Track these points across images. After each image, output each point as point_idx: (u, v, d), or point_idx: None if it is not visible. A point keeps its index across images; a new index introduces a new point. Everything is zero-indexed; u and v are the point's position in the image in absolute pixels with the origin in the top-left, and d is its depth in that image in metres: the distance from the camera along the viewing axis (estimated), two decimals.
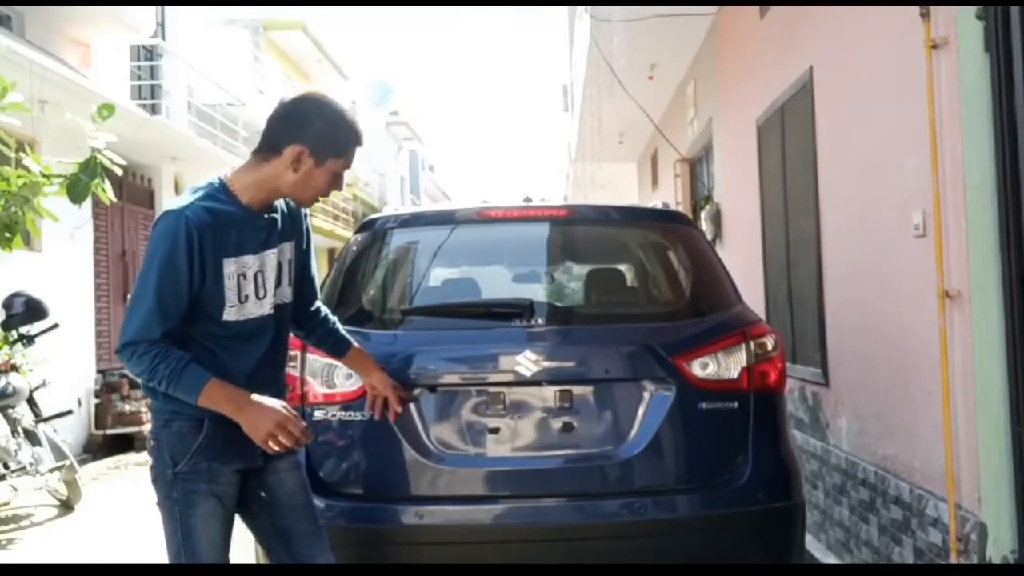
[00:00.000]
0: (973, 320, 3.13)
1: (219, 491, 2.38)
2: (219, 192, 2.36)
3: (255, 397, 2.35)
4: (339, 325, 2.86)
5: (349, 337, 2.87)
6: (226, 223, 2.33)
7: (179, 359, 2.27)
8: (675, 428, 2.96)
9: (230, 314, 2.36)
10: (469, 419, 2.99)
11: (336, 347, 2.86)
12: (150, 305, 2.25)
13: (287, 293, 2.53)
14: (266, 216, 2.43)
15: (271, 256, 2.44)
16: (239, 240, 2.36)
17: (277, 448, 2.34)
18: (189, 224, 2.26)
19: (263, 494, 2.51)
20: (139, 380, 2.38)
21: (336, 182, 2.43)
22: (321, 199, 2.53)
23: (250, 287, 2.39)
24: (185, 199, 2.35)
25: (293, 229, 2.54)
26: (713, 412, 2.98)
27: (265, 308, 2.44)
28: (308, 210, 2.62)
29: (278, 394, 2.51)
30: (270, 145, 2.36)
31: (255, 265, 2.40)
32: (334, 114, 2.37)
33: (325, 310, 2.84)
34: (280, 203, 2.49)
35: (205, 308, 2.34)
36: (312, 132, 2.33)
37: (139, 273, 2.32)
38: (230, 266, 2.34)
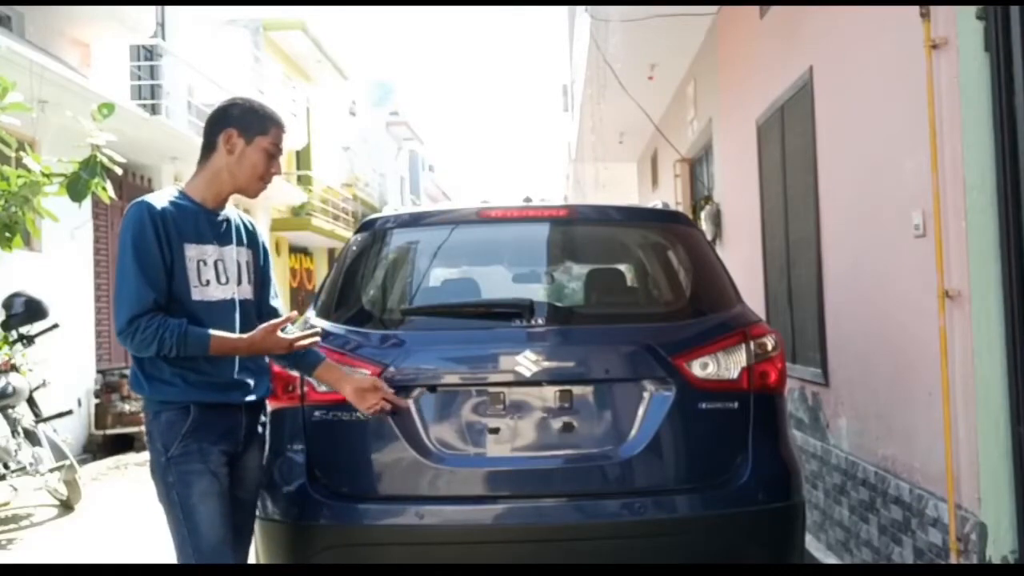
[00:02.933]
0: (973, 320, 3.13)
1: (212, 468, 2.54)
2: (175, 192, 2.66)
3: (248, 335, 2.60)
4: None
5: (318, 351, 2.85)
6: (184, 214, 2.59)
7: (178, 324, 2.48)
8: (675, 428, 2.95)
9: (195, 294, 2.57)
10: (469, 419, 2.99)
11: (306, 359, 2.83)
12: (134, 280, 2.47)
13: (248, 291, 2.75)
14: (219, 215, 2.69)
15: (230, 250, 2.69)
16: (197, 230, 2.61)
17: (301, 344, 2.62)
18: (151, 209, 2.53)
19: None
20: (146, 355, 2.52)
21: (271, 163, 2.68)
22: (263, 186, 2.72)
23: (210, 272, 2.62)
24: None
25: (250, 241, 2.79)
26: (713, 412, 2.97)
27: (228, 293, 2.66)
28: (262, 237, 2.86)
29: (253, 387, 2.71)
30: (207, 145, 2.68)
31: (215, 254, 2.64)
32: (248, 101, 2.72)
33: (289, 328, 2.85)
34: (234, 216, 2.76)
35: (176, 289, 2.55)
36: (235, 116, 2.66)
37: (117, 260, 2.55)
38: (191, 250, 2.58)
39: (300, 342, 2.64)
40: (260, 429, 2.80)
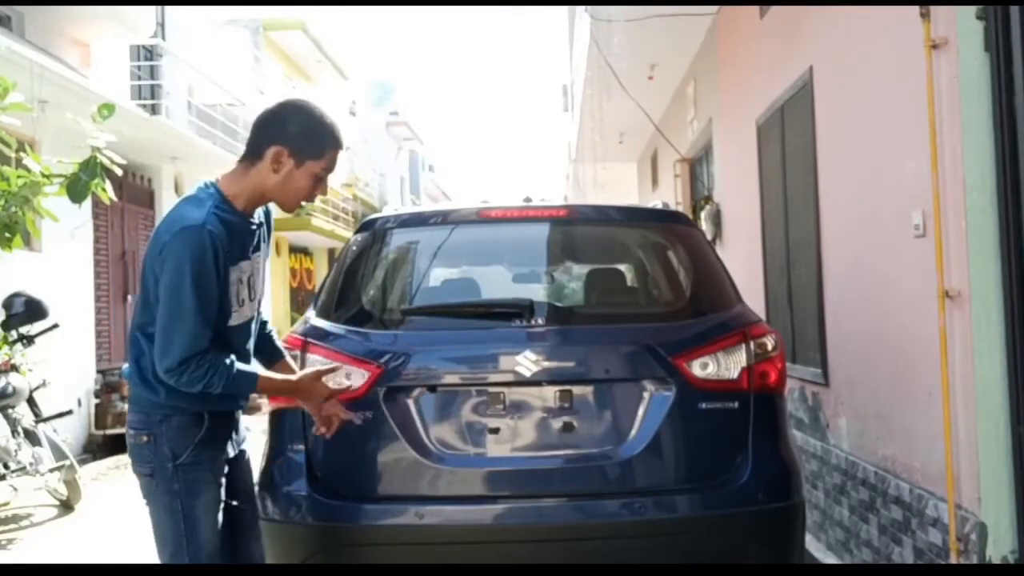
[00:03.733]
0: (973, 320, 3.13)
1: (218, 479, 2.49)
2: (221, 202, 2.40)
3: (294, 377, 2.58)
4: (274, 332, 2.86)
5: (281, 346, 2.86)
6: (233, 232, 2.39)
7: (228, 366, 2.35)
8: (675, 428, 2.95)
9: (234, 319, 2.44)
10: (469, 419, 2.99)
11: (270, 354, 2.78)
12: (194, 319, 2.29)
13: (262, 292, 2.63)
14: (255, 222, 2.51)
15: (259, 259, 2.54)
16: (241, 248, 2.44)
17: (329, 413, 2.59)
18: (213, 237, 2.31)
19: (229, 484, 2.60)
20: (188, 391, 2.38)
21: (319, 185, 2.48)
22: (306, 203, 2.58)
23: (245, 291, 2.48)
24: (193, 211, 2.35)
25: (268, 231, 2.62)
26: (713, 412, 2.97)
27: (253, 309, 2.55)
28: (271, 211, 2.67)
29: None
30: (253, 151, 2.43)
31: (248, 270, 2.49)
32: (312, 117, 2.44)
33: (264, 314, 2.85)
34: (260, 214, 2.56)
35: (218, 317, 2.39)
36: (290, 134, 2.40)
37: (167, 289, 2.31)
38: (234, 273, 2.42)
39: (338, 394, 2.64)
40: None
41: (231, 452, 2.58)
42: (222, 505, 2.51)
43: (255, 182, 2.43)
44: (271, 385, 2.52)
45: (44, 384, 6.89)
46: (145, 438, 2.45)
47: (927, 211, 3.39)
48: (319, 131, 2.44)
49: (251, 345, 2.62)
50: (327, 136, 2.45)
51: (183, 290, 2.28)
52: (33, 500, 6.80)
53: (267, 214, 2.62)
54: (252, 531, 2.70)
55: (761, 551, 2.99)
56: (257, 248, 2.52)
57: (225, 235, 2.35)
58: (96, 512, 6.65)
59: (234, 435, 2.61)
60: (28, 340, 6.72)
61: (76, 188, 5.19)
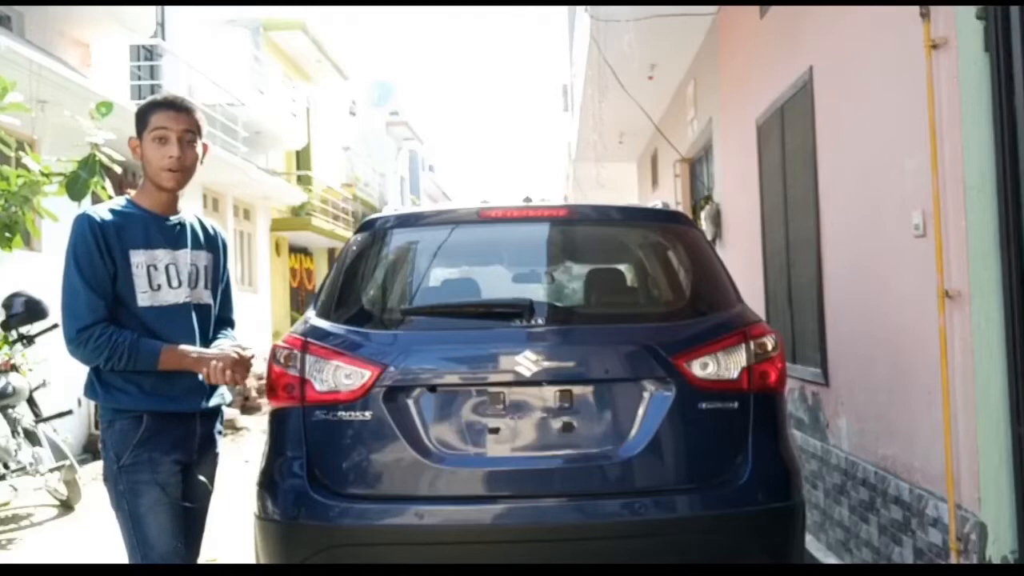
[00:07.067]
0: (973, 320, 3.13)
1: (161, 480, 2.59)
2: (123, 202, 2.74)
3: (205, 351, 2.68)
4: (229, 335, 2.95)
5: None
6: (130, 221, 2.67)
7: (130, 334, 2.57)
8: (675, 428, 2.95)
9: (143, 300, 2.63)
10: (469, 419, 2.98)
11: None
12: (84, 292, 2.56)
13: (204, 295, 2.81)
14: (172, 219, 2.76)
15: (183, 255, 2.75)
16: (146, 236, 2.68)
17: (224, 381, 2.64)
18: (91, 221, 2.61)
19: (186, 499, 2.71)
20: (96, 363, 2.61)
21: (164, 147, 2.71)
22: (171, 168, 2.73)
23: (162, 277, 2.68)
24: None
25: (209, 245, 2.86)
26: (713, 412, 2.97)
27: (180, 297, 2.71)
28: (224, 238, 2.96)
29: (208, 394, 2.77)
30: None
31: (166, 259, 2.70)
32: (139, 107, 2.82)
33: (232, 333, 2.96)
34: (193, 220, 2.84)
35: (122, 296, 2.60)
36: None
37: (63, 278, 2.61)
38: (138, 256, 2.65)
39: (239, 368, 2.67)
40: (217, 436, 2.89)
41: (187, 456, 2.68)
42: (170, 506, 2.60)
43: (145, 177, 2.75)
44: (174, 354, 2.60)
45: (44, 384, 6.89)
46: (101, 445, 2.65)
47: (927, 211, 3.39)
48: (140, 111, 2.78)
49: (194, 337, 2.71)
50: (144, 107, 2.79)
51: (70, 269, 2.58)
52: (33, 500, 6.80)
53: (215, 235, 2.90)
54: (196, 538, 2.80)
55: (761, 551, 2.99)
56: (182, 245, 2.74)
57: (116, 222, 2.63)
58: (96, 512, 6.63)
59: (192, 440, 2.70)
60: (28, 340, 6.71)
61: (75, 186, 5.18)
